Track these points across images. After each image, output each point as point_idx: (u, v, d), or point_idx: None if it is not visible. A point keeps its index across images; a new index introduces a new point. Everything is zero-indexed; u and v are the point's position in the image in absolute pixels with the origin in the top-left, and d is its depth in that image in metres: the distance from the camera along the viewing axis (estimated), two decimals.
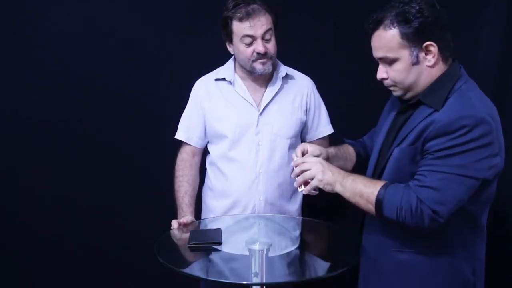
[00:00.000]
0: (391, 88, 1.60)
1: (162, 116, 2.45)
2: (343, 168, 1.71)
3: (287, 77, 2.10)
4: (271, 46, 1.96)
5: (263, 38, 1.93)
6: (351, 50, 2.46)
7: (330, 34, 2.52)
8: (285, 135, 2.04)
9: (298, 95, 2.09)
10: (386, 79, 1.57)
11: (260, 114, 2.03)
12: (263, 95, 2.05)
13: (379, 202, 1.49)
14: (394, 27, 1.48)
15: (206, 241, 1.71)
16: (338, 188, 1.57)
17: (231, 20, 1.93)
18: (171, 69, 2.49)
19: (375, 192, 1.50)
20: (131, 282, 2.62)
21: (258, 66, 1.97)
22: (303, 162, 1.63)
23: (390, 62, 1.53)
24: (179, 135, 2.14)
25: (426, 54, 1.50)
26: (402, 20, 1.47)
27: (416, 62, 1.50)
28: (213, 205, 2.10)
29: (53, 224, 2.55)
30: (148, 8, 2.48)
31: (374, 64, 1.59)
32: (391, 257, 1.59)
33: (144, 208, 2.56)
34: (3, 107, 2.48)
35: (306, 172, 1.61)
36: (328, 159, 1.75)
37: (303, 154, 1.73)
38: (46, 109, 2.49)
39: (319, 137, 2.17)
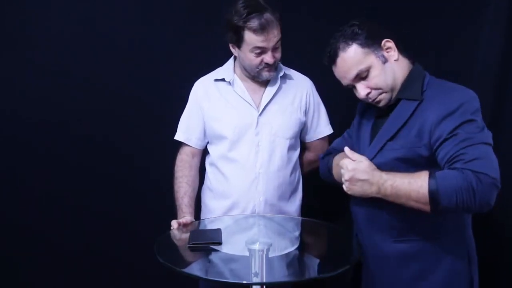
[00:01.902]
0: (378, 99, 1.64)
1: (162, 116, 2.45)
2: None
3: (285, 77, 2.10)
4: (279, 54, 1.98)
5: (273, 49, 1.94)
6: None
7: (330, 35, 2.51)
8: (285, 135, 2.04)
9: (298, 96, 2.09)
10: (370, 92, 1.62)
11: (260, 114, 2.03)
12: (262, 95, 2.05)
13: (433, 193, 1.43)
14: (351, 44, 1.60)
15: (206, 241, 1.71)
16: (375, 192, 1.53)
17: (244, 29, 1.90)
18: (171, 69, 2.49)
19: (425, 185, 1.44)
20: (131, 282, 2.62)
21: (264, 73, 1.99)
22: (348, 170, 1.59)
23: (365, 74, 1.60)
24: (178, 136, 2.14)
25: (387, 51, 1.61)
26: (353, 36, 1.60)
27: (384, 61, 1.62)
28: (212, 206, 2.10)
29: (53, 224, 2.54)
30: (148, 8, 2.48)
31: None
32: (391, 248, 1.60)
33: (144, 208, 2.56)
34: (3, 107, 2.48)
35: (348, 173, 1.58)
36: None
37: None
38: (46, 109, 2.48)
39: (318, 137, 2.17)
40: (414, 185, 1.46)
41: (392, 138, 1.58)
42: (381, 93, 1.62)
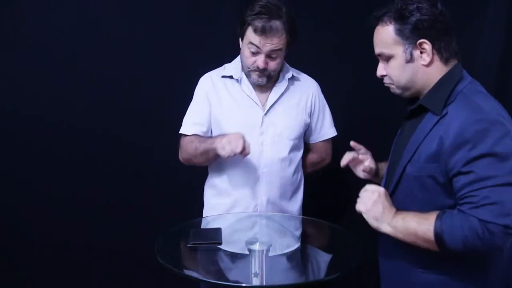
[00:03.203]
0: (389, 86, 1.58)
1: (162, 116, 2.45)
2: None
3: (293, 78, 2.10)
4: (274, 65, 1.96)
5: (268, 56, 1.93)
6: (353, 53, 2.47)
7: (334, 37, 2.53)
8: (289, 136, 2.04)
9: (303, 97, 2.10)
10: (385, 75, 1.56)
11: (265, 114, 2.03)
12: (268, 95, 2.05)
13: (439, 237, 1.39)
14: (390, 23, 1.48)
15: (206, 241, 1.71)
16: (386, 229, 1.47)
17: (248, 25, 1.91)
18: (171, 67, 2.49)
19: (431, 228, 1.39)
20: (131, 282, 2.62)
21: (254, 76, 1.98)
22: (365, 190, 1.54)
23: (387, 58, 1.52)
24: (185, 130, 2.07)
25: (421, 52, 1.47)
26: (399, 17, 1.47)
27: (410, 60, 1.48)
28: (215, 204, 2.09)
29: (53, 224, 2.54)
30: (151, 5, 2.48)
31: (376, 67, 1.59)
32: (417, 278, 1.52)
33: (144, 208, 2.56)
34: (2, 107, 2.48)
35: (360, 198, 1.54)
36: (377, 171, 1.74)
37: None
38: (46, 109, 2.48)
39: (322, 139, 2.17)
40: (421, 227, 1.42)
41: (410, 159, 1.50)
42: (391, 84, 1.56)
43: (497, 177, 1.34)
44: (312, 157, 2.19)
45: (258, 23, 1.88)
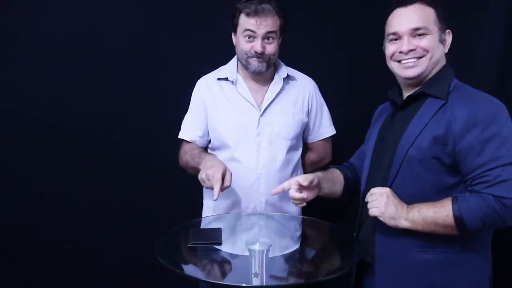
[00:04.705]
0: (413, 64, 1.61)
1: (162, 117, 2.46)
2: (332, 192, 1.80)
3: (288, 78, 2.09)
4: (271, 48, 1.97)
5: (264, 38, 1.94)
6: (352, 51, 2.47)
7: (332, 36, 2.53)
8: (286, 136, 2.04)
9: (300, 96, 2.09)
10: (414, 49, 1.61)
11: (261, 115, 2.03)
12: (264, 95, 2.05)
13: (459, 220, 1.47)
14: (431, 7, 1.61)
15: (206, 241, 1.71)
16: (404, 224, 1.53)
17: (240, 12, 1.94)
18: (173, 68, 2.49)
19: (450, 214, 1.48)
20: (131, 282, 2.62)
21: (253, 62, 1.98)
22: (370, 194, 1.60)
23: (423, 33, 1.60)
24: (182, 135, 2.13)
25: (446, 39, 1.63)
26: (437, 4, 1.61)
27: (441, 42, 1.62)
28: (213, 205, 2.09)
29: (53, 224, 2.55)
30: (150, 6, 2.48)
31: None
32: (414, 258, 1.57)
33: (144, 208, 2.56)
34: (2, 107, 2.48)
35: (369, 203, 1.59)
36: (318, 183, 1.74)
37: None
38: (46, 109, 2.49)
39: (321, 138, 2.17)
40: (439, 214, 1.49)
41: (413, 144, 1.56)
42: (421, 57, 1.61)
43: (506, 156, 1.46)
44: (312, 156, 2.19)
45: (250, 6, 1.91)
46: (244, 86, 2.05)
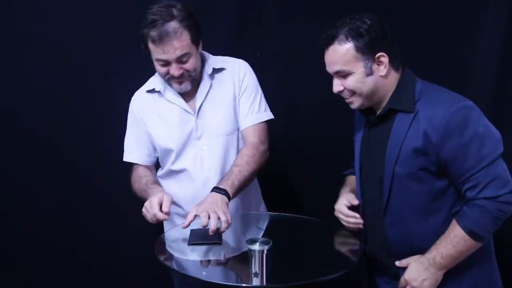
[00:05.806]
0: (349, 100, 1.66)
1: None
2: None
3: (214, 72, 1.97)
4: (189, 65, 1.84)
5: (178, 62, 1.81)
6: None
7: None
8: (225, 132, 1.95)
9: (230, 85, 1.97)
10: (343, 91, 1.64)
11: (197, 117, 1.94)
12: (195, 97, 1.95)
13: (472, 234, 1.52)
14: (349, 41, 1.58)
15: (206, 241, 1.71)
16: (441, 274, 1.59)
17: (147, 39, 1.79)
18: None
19: (464, 235, 1.53)
20: (131, 282, 2.62)
21: (175, 85, 1.89)
22: (407, 274, 1.62)
23: (346, 75, 1.61)
24: (127, 158, 2.04)
25: (378, 65, 1.59)
26: (356, 35, 1.58)
27: (370, 73, 1.60)
28: (180, 214, 2.01)
29: (53, 224, 2.55)
30: None
31: None
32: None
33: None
34: (2, 107, 2.48)
35: (407, 281, 1.62)
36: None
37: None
38: (46, 109, 2.49)
39: (256, 122, 1.98)
40: (458, 244, 1.54)
41: (397, 161, 1.60)
42: (353, 95, 1.64)
43: (488, 155, 1.50)
44: (253, 143, 1.95)
45: (153, 32, 1.76)
46: (173, 93, 1.94)
